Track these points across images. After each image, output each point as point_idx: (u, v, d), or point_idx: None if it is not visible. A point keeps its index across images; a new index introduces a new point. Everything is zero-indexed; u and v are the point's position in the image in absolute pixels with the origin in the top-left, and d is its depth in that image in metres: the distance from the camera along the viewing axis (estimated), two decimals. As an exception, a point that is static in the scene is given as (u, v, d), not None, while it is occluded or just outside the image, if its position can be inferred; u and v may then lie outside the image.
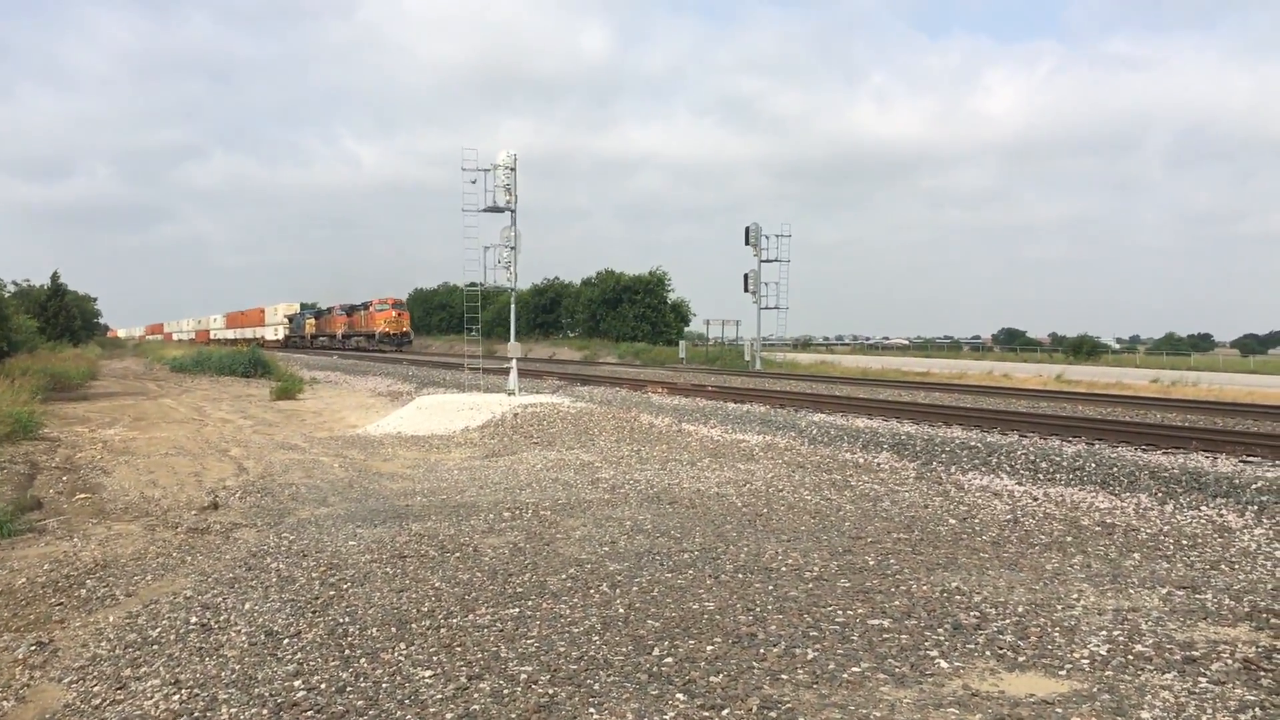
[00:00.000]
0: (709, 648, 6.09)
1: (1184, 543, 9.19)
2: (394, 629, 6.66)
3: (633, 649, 6.10)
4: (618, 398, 23.84)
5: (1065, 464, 12.64)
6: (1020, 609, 6.92)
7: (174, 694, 5.58)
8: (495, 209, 23.14)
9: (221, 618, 7.05)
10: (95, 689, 5.78)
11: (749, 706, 5.15)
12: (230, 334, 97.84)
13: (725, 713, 5.10)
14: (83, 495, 12.81)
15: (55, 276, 69.85)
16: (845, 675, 5.60)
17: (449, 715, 5.15)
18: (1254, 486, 10.69)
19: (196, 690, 5.62)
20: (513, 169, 23.00)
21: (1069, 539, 9.39)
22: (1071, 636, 6.31)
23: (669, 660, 5.88)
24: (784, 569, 8.15)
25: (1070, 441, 14.70)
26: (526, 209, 21.56)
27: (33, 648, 6.57)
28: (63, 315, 66.24)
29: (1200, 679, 5.53)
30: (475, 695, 5.38)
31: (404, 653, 6.15)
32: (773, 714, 5.07)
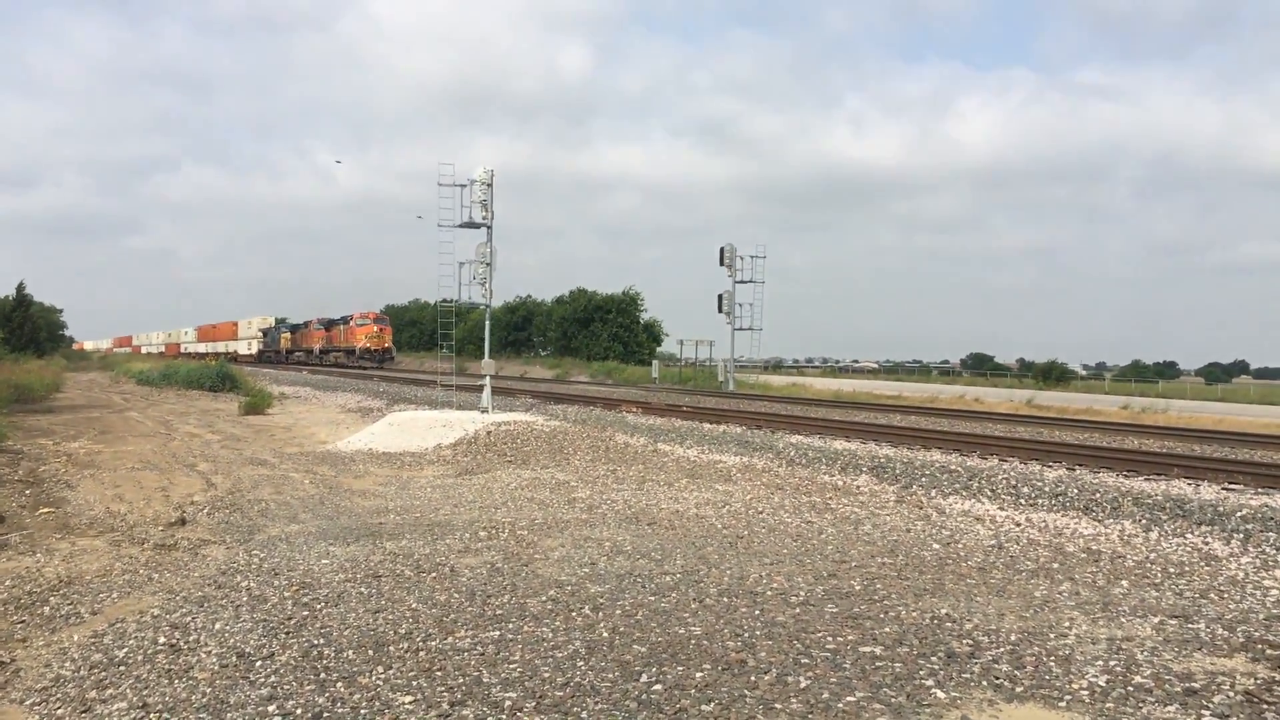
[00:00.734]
0: (698, 674, 5.91)
1: (1171, 570, 9.10)
2: (371, 651, 6.43)
3: (620, 675, 5.91)
4: (592, 416, 23.64)
5: (1047, 489, 12.56)
6: (1013, 637, 6.78)
7: (142, 718, 5.33)
8: (472, 224, 22.94)
9: (191, 638, 6.80)
10: (58, 711, 5.52)
11: (744, 737, 4.97)
12: (202, 348, 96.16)
13: (718, 743, 4.92)
14: (46, 509, 12.47)
15: (21, 287, 69.04)
16: (840, 705, 5.43)
17: (431, 744, 4.94)
18: (1239, 514, 10.63)
19: (165, 714, 5.37)
20: (490, 185, 22.82)
21: (1055, 565, 9.28)
22: (1068, 666, 6.17)
23: (658, 687, 5.68)
24: (769, 593, 7.98)
25: (1051, 466, 14.65)
26: (500, 226, 21.43)
27: (-7, 668, 6.29)
28: (27, 326, 65.38)
29: (1204, 712, 5.40)
30: (458, 723, 5.16)
31: (382, 676, 5.92)
32: (768, 745, 4.89)
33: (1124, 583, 8.63)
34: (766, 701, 5.46)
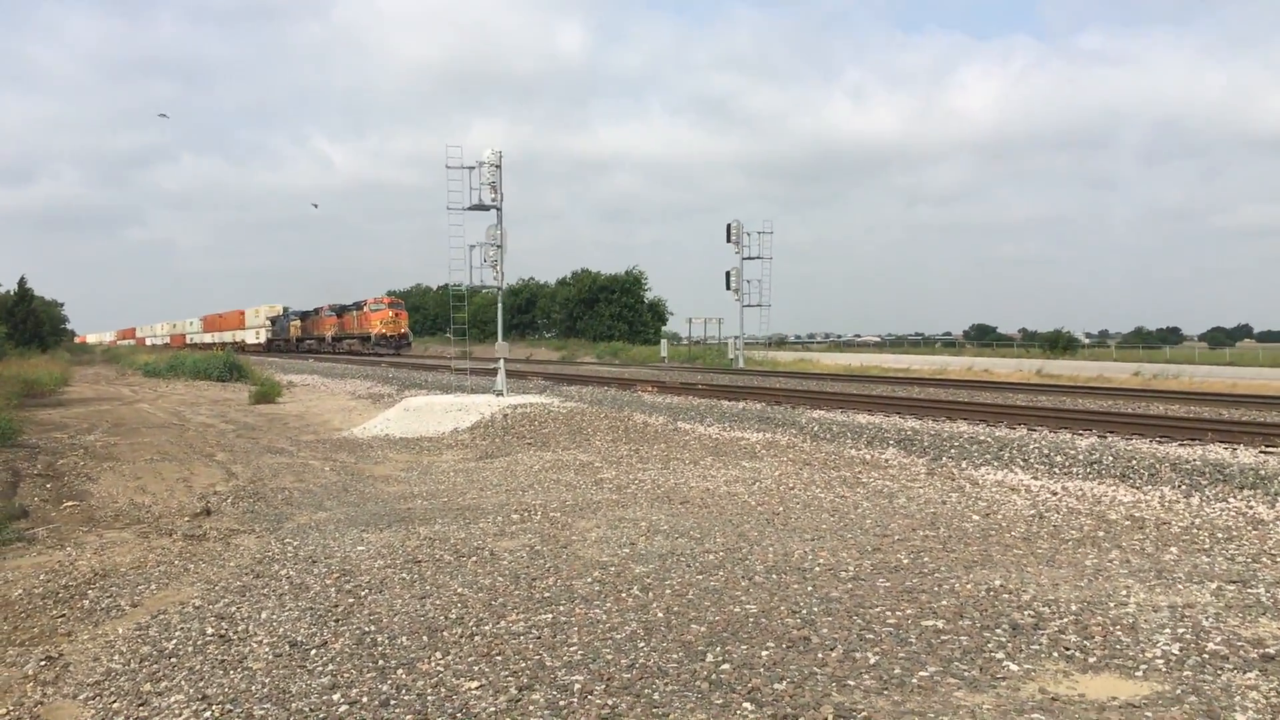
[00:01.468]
0: (763, 653, 5.79)
1: (1219, 536, 8.98)
2: (425, 637, 6.32)
3: (684, 655, 5.79)
4: (607, 397, 23.52)
5: (1080, 457, 12.43)
6: (1074, 607, 6.66)
7: (204, 710, 5.22)
8: (481, 207, 22.73)
9: (239, 628, 6.69)
10: (115, 705, 5.41)
11: (823, 716, 4.85)
12: (208, 338, 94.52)
13: (797, 722, 4.81)
14: (70, 503, 12.37)
15: (22, 282, 68.66)
16: (914, 680, 5.32)
17: (503, 729, 4.83)
18: (1280, 477, 10.51)
19: (228, 705, 5.25)
20: (498, 166, 22.60)
21: (1100, 534, 9.16)
22: (1136, 635, 6.05)
23: (725, 667, 5.57)
24: (817, 569, 7.87)
25: (1081, 434, 14.52)
26: (505, 208, 21.23)
27: (42, 663, 6.18)
28: (30, 321, 65.10)
29: (1286, 677, 5.28)
30: (530, 707, 5.04)
31: (442, 662, 5.81)
32: (847, 723, 4.78)
33: (1173, 549, 8.51)
34: (838, 679, 5.34)
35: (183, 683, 5.68)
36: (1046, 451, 12.94)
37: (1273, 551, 8.35)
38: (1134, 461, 11.90)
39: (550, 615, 6.72)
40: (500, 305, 24.59)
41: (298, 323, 79.71)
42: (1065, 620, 6.37)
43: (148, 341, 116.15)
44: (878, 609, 6.66)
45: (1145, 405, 19.75)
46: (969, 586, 7.24)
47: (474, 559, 8.53)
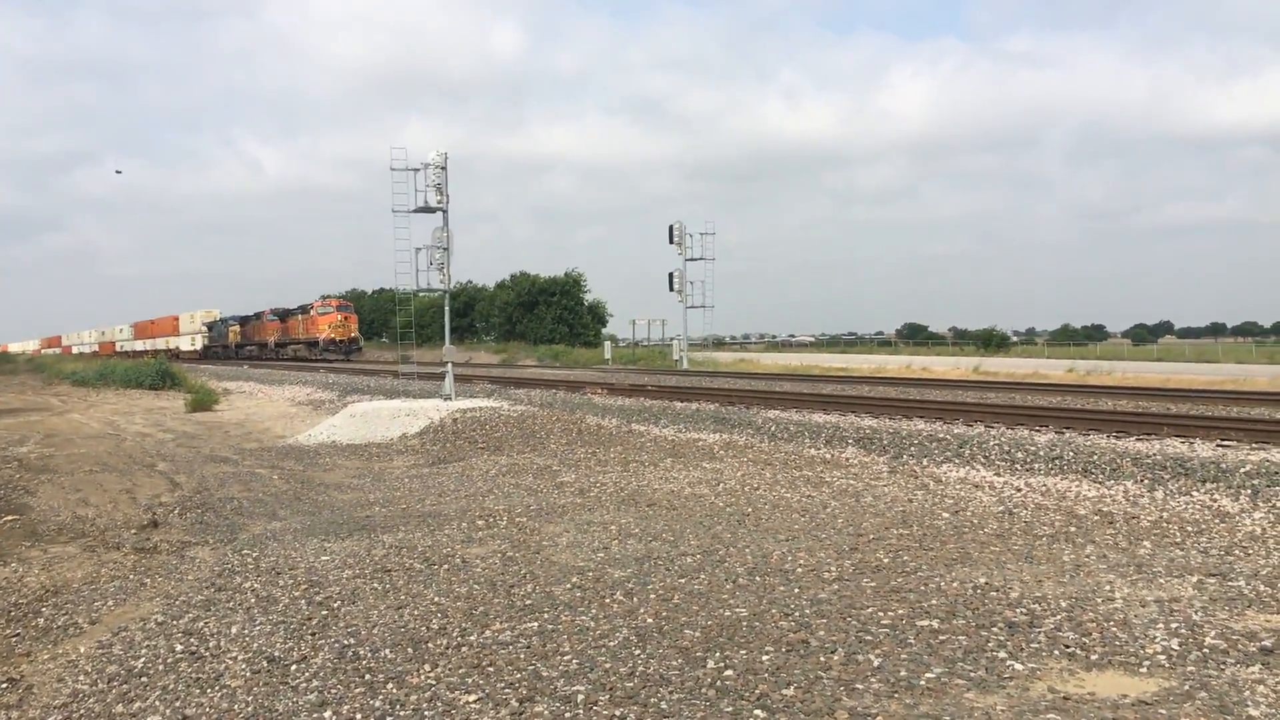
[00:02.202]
0: (764, 658, 5.65)
1: (1189, 529, 9.03)
2: (409, 649, 6.09)
3: (683, 662, 5.63)
4: (558, 400, 23.29)
5: (1041, 453, 12.49)
6: (1063, 604, 6.62)
7: (186, 733, 4.96)
8: (427, 209, 22.46)
9: (210, 644, 6.41)
10: (87, 731, 5.13)
11: (837, 721, 4.72)
12: (140, 345, 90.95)
13: (810, 729, 4.67)
14: (10, 517, 11.88)
15: (-60, 289, 66.53)
16: (922, 682, 5.21)
17: (506, 745, 4.63)
18: (1242, 470, 10.60)
19: (211, 728, 5.00)
20: (443, 168, 22.35)
21: (1072, 529, 9.17)
22: (1131, 631, 6.01)
23: (729, 673, 5.42)
24: (799, 570, 7.76)
25: (1039, 430, 14.61)
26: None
27: (3, 685, 5.86)
28: (-50, 329, 63.04)
29: (1290, 670, 5.26)
30: (535, 721, 4.86)
31: (432, 675, 5.59)
32: (861, 728, 4.66)
33: (1146, 543, 8.54)
34: (846, 682, 5.22)
35: (157, 703, 5.41)
36: (1007, 448, 12.98)
37: (1244, 544, 8.40)
38: (1095, 456, 11.96)
39: (536, 623, 6.53)
40: (448, 308, 24.32)
41: (237, 328, 76.76)
42: (1059, 618, 6.31)
43: (74, 349, 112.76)
44: (869, 610, 6.56)
45: (1094, 401, 19.97)
46: (955, 585, 7.17)
47: (445, 566, 8.30)
